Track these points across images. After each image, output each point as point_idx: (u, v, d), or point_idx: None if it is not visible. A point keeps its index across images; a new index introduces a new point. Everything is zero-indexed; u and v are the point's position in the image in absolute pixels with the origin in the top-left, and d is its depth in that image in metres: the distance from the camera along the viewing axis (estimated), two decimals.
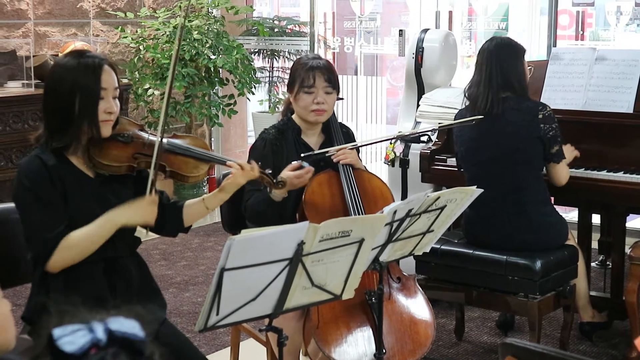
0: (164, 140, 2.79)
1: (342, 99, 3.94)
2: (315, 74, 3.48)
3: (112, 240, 2.72)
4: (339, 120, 3.82)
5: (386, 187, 3.60)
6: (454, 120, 4.01)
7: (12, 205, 2.81)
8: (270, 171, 3.04)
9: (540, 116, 3.80)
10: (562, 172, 3.90)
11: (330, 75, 3.51)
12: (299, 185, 3.25)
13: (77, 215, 2.66)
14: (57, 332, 1.07)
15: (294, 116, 3.59)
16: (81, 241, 2.64)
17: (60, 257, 2.62)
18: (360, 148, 3.87)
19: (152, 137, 2.81)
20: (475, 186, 2.97)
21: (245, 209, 3.44)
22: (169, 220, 2.89)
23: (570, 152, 4.04)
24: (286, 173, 3.22)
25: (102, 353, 1.08)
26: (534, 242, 3.84)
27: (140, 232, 2.88)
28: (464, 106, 4.04)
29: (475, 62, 4.02)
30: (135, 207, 2.70)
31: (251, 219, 3.45)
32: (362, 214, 3.39)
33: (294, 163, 3.26)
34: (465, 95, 4.01)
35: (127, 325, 1.11)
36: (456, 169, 4.42)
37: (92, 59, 2.72)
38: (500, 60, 3.88)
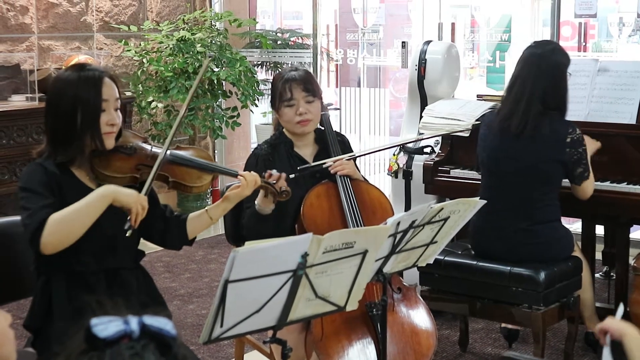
0: (167, 151, 2.80)
1: (338, 109, 3.93)
2: (292, 86, 3.47)
3: (113, 249, 2.72)
4: (342, 131, 3.81)
5: (385, 198, 3.59)
6: (480, 120, 3.99)
7: (15, 218, 2.81)
8: (274, 182, 3.05)
9: (569, 140, 3.75)
10: (586, 190, 3.86)
11: (307, 85, 3.48)
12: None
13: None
14: (94, 320, 1.11)
15: (284, 130, 3.59)
16: (70, 214, 2.58)
17: (50, 232, 2.55)
18: (361, 159, 3.86)
19: (155, 149, 2.82)
20: (489, 194, 2.95)
21: (243, 227, 3.44)
22: (173, 233, 2.89)
23: (592, 144, 3.99)
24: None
25: (133, 343, 1.12)
26: (539, 256, 3.82)
27: (144, 245, 2.88)
28: (495, 109, 3.99)
29: (518, 66, 3.87)
30: (127, 189, 2.66)
31: (247, 235, 3.44)
32: (361, 225, 3.38)
33: (273, 174, 3.21)
34: (501, 101, 3.93)
35: (161, 322, 1.16)
36: (459, 180, 4.43)
37: (93, 71, 2.73)
38: (548, 74, 3.77)
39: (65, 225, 2.58)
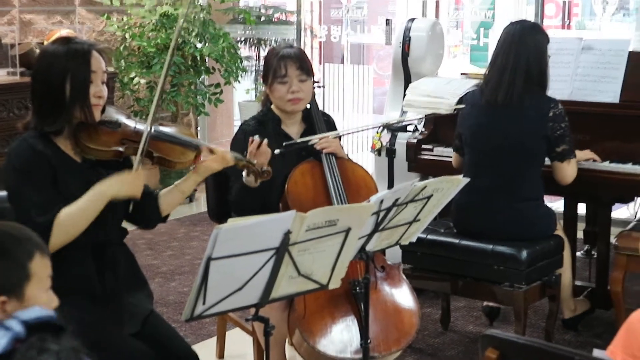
0: (152, 126, 2.80)
1: (322, 86, 3.94)
2: (287, 63, 3.47)
3: (104, 223, 2.72)
4: (325, 109, 3.81)
5: (369, 176, 3.60)
6: (463, 101, 3.99)
7: (1, 194, 2.79)
8: (255, 160, 3.05)
9: (551, 114, 3.77)
10: (567, 172, 3.86)
11: (302, 63, 3.49)
12: (264, 162, 3.19)
13: (64, 198, 2.66)
14: None
15: (272, 106, 3.58)
16: (73, 217, 2.63)
17: (56, 237, 2.60)
18: (344, 137, 3.86)
19: (139, 125, 2.82)
20: (473, 172, 2.95)
21: (230, 202, 3.44)
22: (147, 211, 2.90)
23: (586, 154, 4.03)
24: (249, 153, 3.20)
25: (27, 344, 1.09)
26: (521, 234, 3.84)
27: (125, 223, 2.88)
28: (478, 87, 3.99)
29: (499, 42, 3.91)
30: (122, 179, 2.69)
31: (235, 210, 3.45)
32: (345, 203, 3.39)
33: (255, 139, 3.21)
34: (484, 77, 3.95)
35: (36, 311, 1.13)
36: (443, 158, 4.42)
37: (81, 44, 2.75)
38: (529, 48, 3.82)
39: (69, 227, 2.63)
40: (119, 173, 2.71)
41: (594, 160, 4.04)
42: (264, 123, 3.54)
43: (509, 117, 3.81)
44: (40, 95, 2.73)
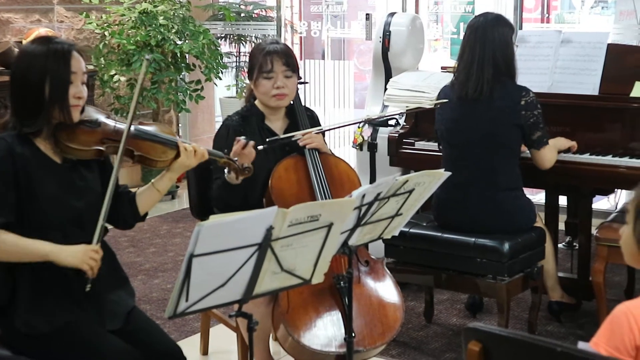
0: (132, 125, 2.79)
1: (306, 82, 3.95)
2: (273, 59, 3.48)
3: (80, 223, 2.71)
4: (306, 104, 3.81)
5: (353, 171, 3.61)
6: (437, 97, 4.02)
7: None
8: (237, 158, 3.06)
9: (523, 102, 3.80)
10: (545, 157, 3.90)
11: (288, 59, 3.50)
12: (248, 160, 3.21)
13: (42, 200, 2.65)
14: None
15: (256, 102, 3.58)
16: (10, 246, 2.61)
17: None
18: (326, 132, 3.87)
19: (119, 124, 2.81)
20: (451, 167, 2.97)
21: (211, 198, 3.44)
22: (125, 210, 2.89)
23: (564, 142, 4.05)
24: (233, 152, 3.21)
25: None
26: (502, 226, 3.86)
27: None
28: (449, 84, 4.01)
29: (465, 37, 3.95)
30: (72, 250, 2.65)
31: (216, 206, 3.45)
32: (329, 198, 3.39)
33: (240, 140, 3.22)
34: (454, 73, 3.98)
35: None
36: (424, 152, 4.44)
37: (61, 44, 2.73)
38: (495, 39, 3.84)
39: (2, 251, 2.60)
40: (78, 246, 2.66)
41: (572, 149, 4.06)
42: (248, 118, 3.54)
43: (481, 110, 3.83)
44: (19, 95, 2.71)
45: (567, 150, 4.08)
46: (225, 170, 3.27)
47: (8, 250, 2.61)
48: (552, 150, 3.92)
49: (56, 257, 2.62)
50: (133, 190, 2.96)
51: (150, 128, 2.89)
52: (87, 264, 2.63)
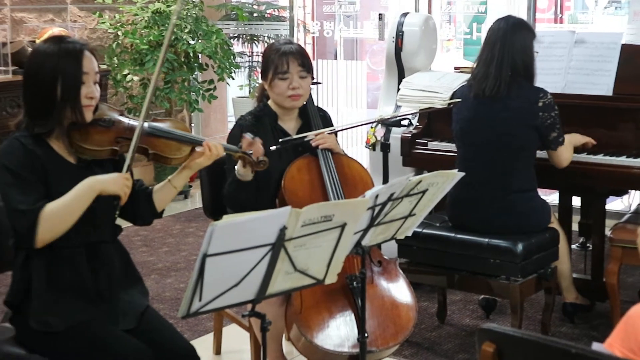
0: (145, 123, 2.79)
1: (319, 83, 3.94)
2: (289, 59, 3.47)
3: (94, 222, 2.71)
4: (318, 104, 3.81)
5: (365, 172, 3.60)
6: (453, 97, 4.01)
7: None
8: (251, 152, 3.04)
9: (540, 104, 3.79)
10: (562, 156, 3.91)
11: (303, 60, 3.50)
12: (259, 153, 3.16)
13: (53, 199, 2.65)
14: None
15: (269, 102, 3.58)
16: (60, 210, 2.60)
17: (44, 229, 2.58)
18: (339, 132, 3.86)
19: (132, 122, 2.80)
20: (465, 167, 2.96)
21: (223, 196, 3.44)
22: (143, 207, 2.89)
23: (579, 138, 4.05)
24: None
25: None
26: (515, 227, 3.85)
27: (121, 221, 2.87)
28: (466, 82, 4.01)
29: (486, 38, 3.96)
30: (112, 177, 2.69)
31: (228, 204, 3.45)
32: (342, 198, 3.39)
33: (246, 137, 3.19)
34: (471, 72, 3.98)
35: None
36: (437, 153, 4.43)
37: (73, 44, 2.73)
38: (515, 42, 3.85)
39: (57, 220, 2.60)
40: (112, 174, 2.70)
41: (588, 144, 4.05)
42: (261, 118, 3.53)
43: (497, 109, 3.82)
44: (31, 95, 2.71)
45: (584, 147, 4.07)
46: (237, 166, 3.27)
47: (61, 214, 2.60)
48: (568, 149, 3.92)
49: (102, 186, 2.65)
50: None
51: (163, 125, 2.89)
52: (124, 190, 2.67)
